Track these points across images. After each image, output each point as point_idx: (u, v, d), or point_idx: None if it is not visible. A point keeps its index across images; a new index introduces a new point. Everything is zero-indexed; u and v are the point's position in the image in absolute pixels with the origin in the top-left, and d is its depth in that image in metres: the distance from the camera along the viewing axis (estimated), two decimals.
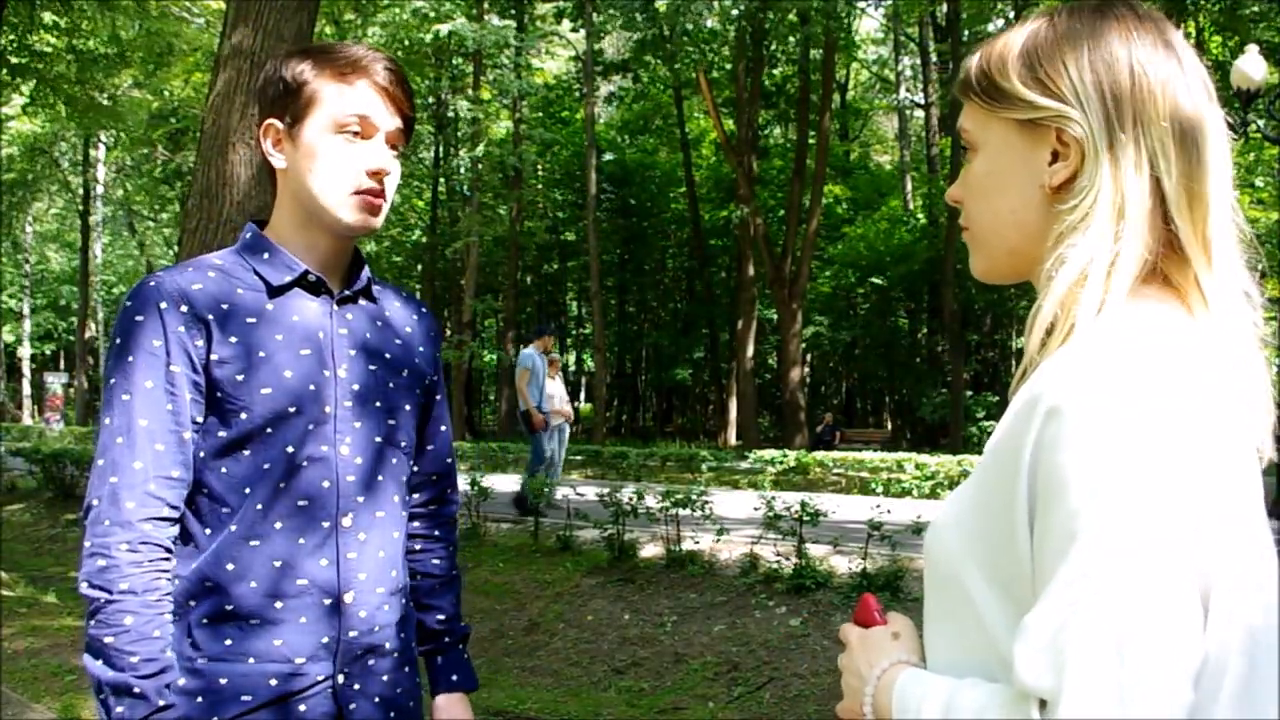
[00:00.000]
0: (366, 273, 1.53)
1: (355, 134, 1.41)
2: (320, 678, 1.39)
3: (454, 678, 1.61)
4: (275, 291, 1.43)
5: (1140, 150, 0.85)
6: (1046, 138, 0.89)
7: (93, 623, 1.30)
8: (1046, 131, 0.89)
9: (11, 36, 11.80)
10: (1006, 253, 0.95)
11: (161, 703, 1.30)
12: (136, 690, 1.28)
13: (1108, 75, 0.86)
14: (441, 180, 29.18)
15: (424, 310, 1.64)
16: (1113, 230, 0.84)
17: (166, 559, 1.35)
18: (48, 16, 11.96)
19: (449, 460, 1.66)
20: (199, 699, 1.34)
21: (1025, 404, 0.79)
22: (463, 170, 26.96)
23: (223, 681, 1.35)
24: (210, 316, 1.38)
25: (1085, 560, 0.72)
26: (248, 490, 1.37)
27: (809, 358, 30.65)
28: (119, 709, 1.29)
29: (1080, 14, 0.90)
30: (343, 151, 1.41)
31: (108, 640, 1.29)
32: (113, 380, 1.37)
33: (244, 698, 1.35)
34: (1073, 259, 0.85)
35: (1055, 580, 0.73)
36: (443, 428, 1.64)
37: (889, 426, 30.82)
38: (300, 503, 1.39)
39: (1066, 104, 0.87)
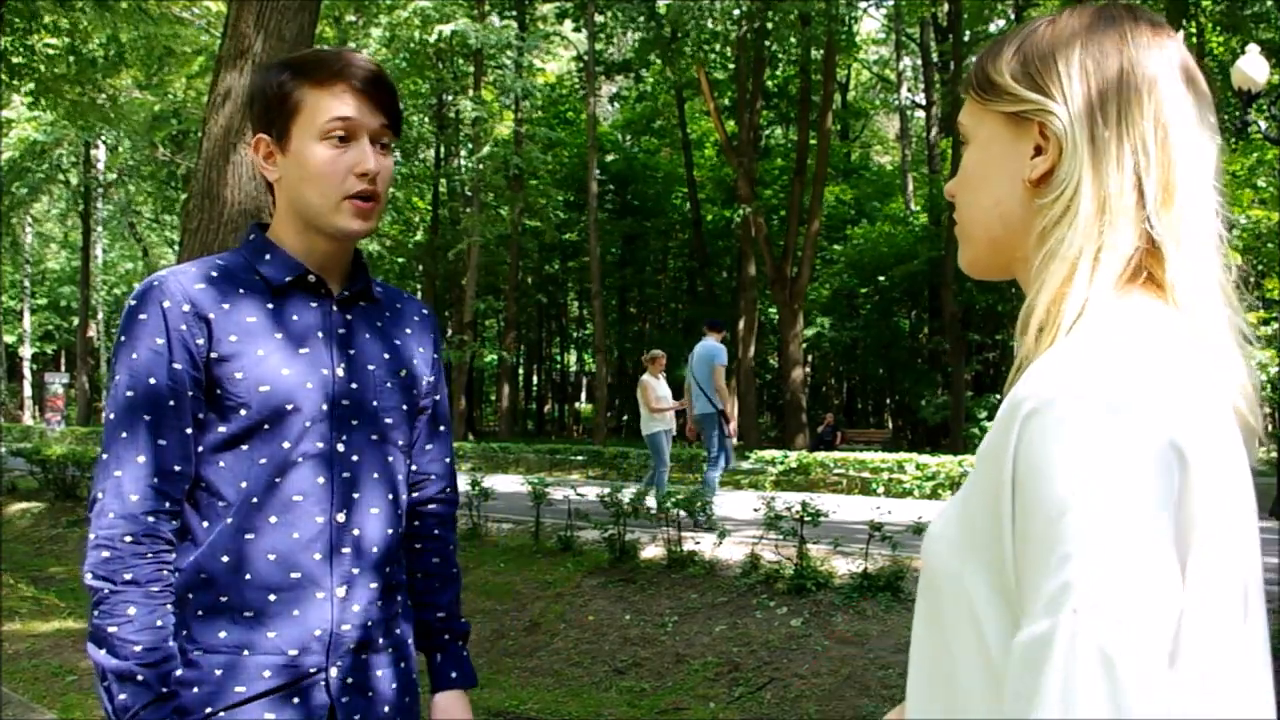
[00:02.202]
0: (367, 275, 1.56)
1: (341, 139, 1.44)
2: (313, 670, 1.41)
3: (453, 675, 1.63)
4: (276, 291, 1.47)
5: (1123, 147, 0.85)
6: (1030, 131, 0.90)
7: (96, 613, 1.33)
8: (1030, 125, 0.90)
9: (12, 36, 11.81)
10: (988, 244, 0.95)
11: (164, 690, 1.32)
12: (140, 678, 1.31)
13: (1096, 71, 0.87)
14: (443, 180, 29.18)
15: (425, 312, 1.66)
16: (1097, 226, 0.84)
17: (169, 550, 1.37)
18: (48, 17, 11.97)
19: (448, 460, 1.68)
20: (195, 689, 1.36)
21: (1009, 408, 0.79)
22: (464, 170, 26.95)
23: (218, 673, 1.37)
24: (211, 315, 1.41)
25: (1066, 572, 0.70)
26: (243, 484, 1.40)
27: (810, 358, 30.66)
28: (122, 696, 1.31)
29: (1079, 14, 0.92)
30: (329, 157, 1.44)
31: (111, 630, 1.32)
32: (117, 377, 1.40)
33: (238, 689, 1.37)
34: (1062, 254, 0.85)
35: (1038, 594, 0.72)
36: (441, 427, 1.66)
37: (890, 427, 30.83)
38: (295, 498, 1.41)
39: (1049, 98, 0.88)
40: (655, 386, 10.21)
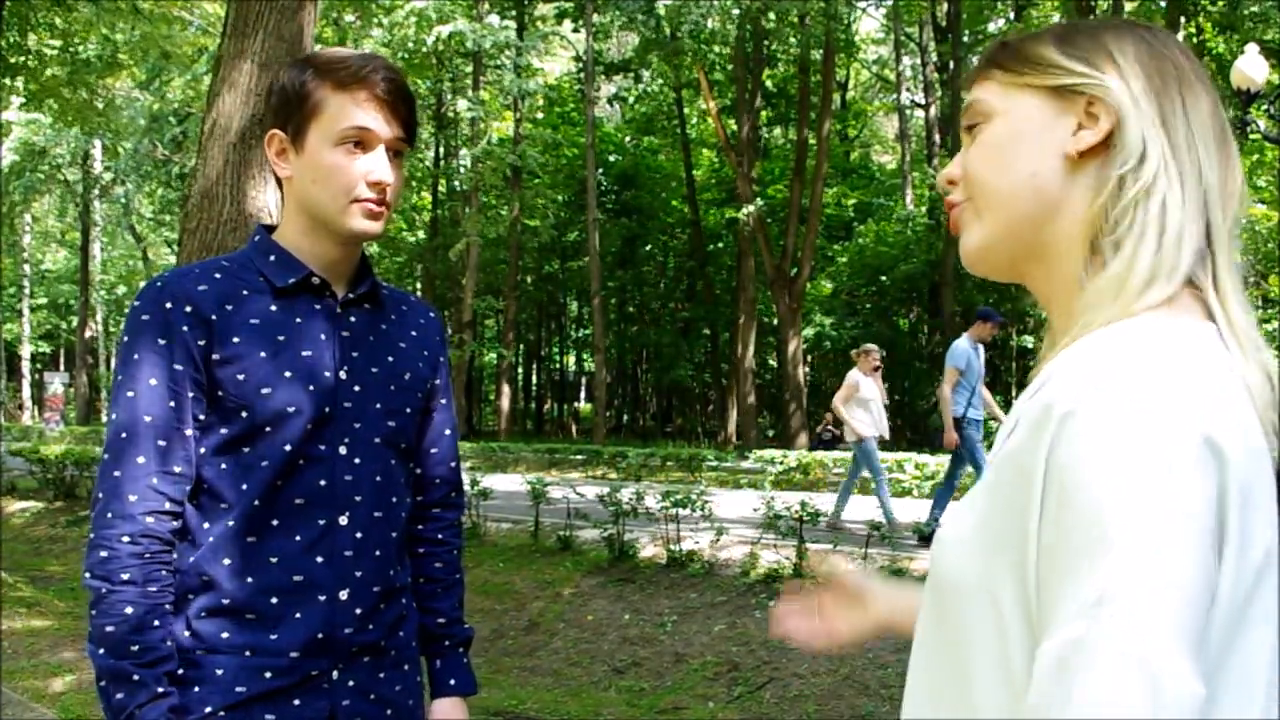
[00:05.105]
0: (372, 277, 1.55)
1: (356, 145, 1.42)
2: (314, 673, 1.41)
3: (452, 681, 1.63)
4: (280, 293, 1.46)
5: (1192, 135, 0.85)
6: (1074, 107, 0.88)
7: (94, 613, 1.34)
8: (1076, 100, 0.88)
9: (11, 36, 11.80)
10: (1012, 221, 0.91)
11: (160, 690, 1.33)
12: (135, 678, 1.31)
13: (1151, 60, 0.87)
14: (442, 180, 29.18)
15: (431, 315, 1.65)
16: (1180, 209, 0.83)
17: (167, 551, 1.37)
18: (45, 16, 11.97)
19: (453, 464, 1.67)
20: (195, 689, 1.37)
21: (1041, 409, 0.77)
22: (463, 170, 26.95)
23: (219, 673, 1.37)
24: (214, 316, 1.40)
25: (1103, 576, 0.69)
26: (245, 487, 1.40)
27: (809, 358, 30.63)
28: (118, 695, 1.32)
29: (1099, 21, 0.92)
30: (343, 163, 1.42)
31: (108, 630, 1.32)
32: (119, 377, 1.40)
33: (238, 689, 1.37)
34: (1146, 234, 0.83)
35: (1072, 598, 0.70)
36: (447, 431, 1.65)
37: (889, 426, 30.77)
38: (297, 500, 1.41)
39: (1104, 73, 0.87)
40: (859, 385, 8.84)
